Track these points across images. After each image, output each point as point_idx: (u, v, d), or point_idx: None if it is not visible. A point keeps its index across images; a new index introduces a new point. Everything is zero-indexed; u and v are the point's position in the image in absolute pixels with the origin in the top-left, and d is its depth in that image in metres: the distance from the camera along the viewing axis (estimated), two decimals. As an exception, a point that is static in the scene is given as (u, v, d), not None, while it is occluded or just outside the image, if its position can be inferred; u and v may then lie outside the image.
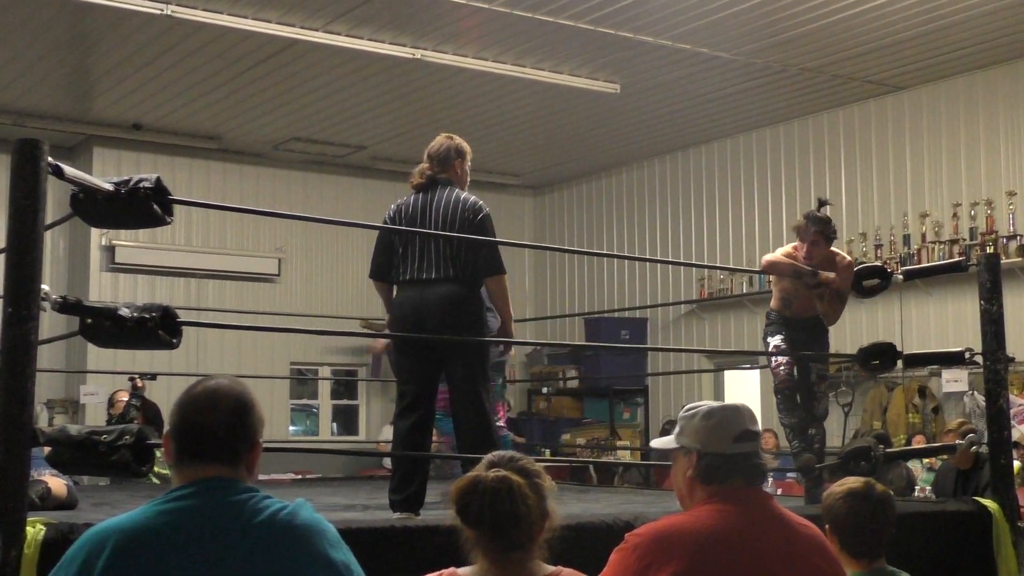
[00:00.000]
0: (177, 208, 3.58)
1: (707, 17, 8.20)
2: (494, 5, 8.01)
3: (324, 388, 12.70)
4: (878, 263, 8.25)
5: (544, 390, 12.63)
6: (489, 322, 5.12)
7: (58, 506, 4.51)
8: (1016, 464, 5.65)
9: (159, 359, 10.18)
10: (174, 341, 3.46)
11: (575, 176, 13.21)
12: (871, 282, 5.61)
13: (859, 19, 8.25)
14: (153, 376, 8.67)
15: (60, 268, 11.43)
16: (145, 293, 11.05)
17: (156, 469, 5.02)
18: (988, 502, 4.92)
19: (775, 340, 5.73)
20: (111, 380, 9.20)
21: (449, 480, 4.78)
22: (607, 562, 2.59)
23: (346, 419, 12.84)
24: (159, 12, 7.91)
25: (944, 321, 9.39)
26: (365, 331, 10.14)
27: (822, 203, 5.82)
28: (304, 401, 12.83)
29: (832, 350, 6.19)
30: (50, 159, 3.14)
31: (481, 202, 4.94)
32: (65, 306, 3.32)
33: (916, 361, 5.87)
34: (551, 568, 2.38)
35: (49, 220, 3.20)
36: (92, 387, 9.31)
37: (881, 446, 5.03)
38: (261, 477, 2.47)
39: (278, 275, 12.10)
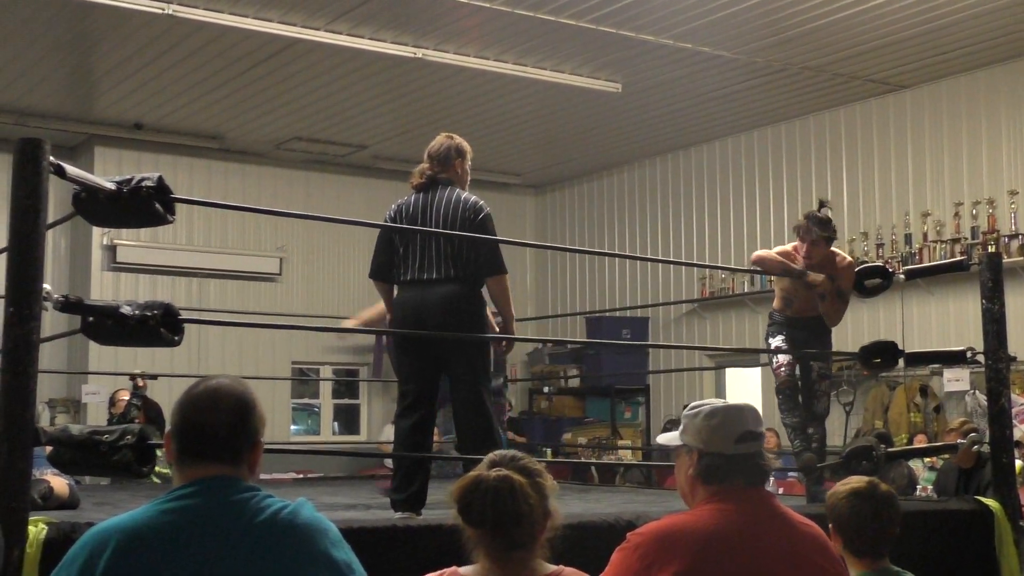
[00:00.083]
0: (179, 207, 3.57)
1: (708, 16, 8.19)
2: (495, 4, 8.01)
3: (325, 388, 12.69)
4: (880, 262, 8.28)
5: (545, 389, 12.61)
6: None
7: (60, 505, 4.52)
8: (1018, 463, 5.65)
9: (160, 359, 10.19)
10: (176, 339, 3.46)
11: (576, 175, 13.20)
12: (873, 281, 5.62)
13: (860, 18, 8.24)
14: (154, 376, 8.69)
15: (61, 267, 11.42)
16: (146, 292, 11.01)
17: (157, 469, 5.03)
18: (990, 501, 4.93)
19: (776, 341, 5.76)
20: (112, 379, 9.21)
21: (451, 479, 4.78)
22: (609, 561, 2.59)
23: (347, 418, 12.83)
24: (160, 12, 7.91)
25: (946, 320, 9.38)
26: (358, 328, 9.97)
27: (823, 204, 5.84)
28: (305, 400, 12.83)
29: (834, 349, 6.19)
30: (52, 158, 3.14)
31: (482, 202, 4.93)
32: (67, 305, 3.32)
33: (918, 360, 5.89)
34: (553, 567, 2.37)
35: (51, 219, 3.20)
36: (94, 386, 9.30)
37: (883, 445, 5.03)
38: (262, 476, 2.47)
39: (279, 275, 12.09)
